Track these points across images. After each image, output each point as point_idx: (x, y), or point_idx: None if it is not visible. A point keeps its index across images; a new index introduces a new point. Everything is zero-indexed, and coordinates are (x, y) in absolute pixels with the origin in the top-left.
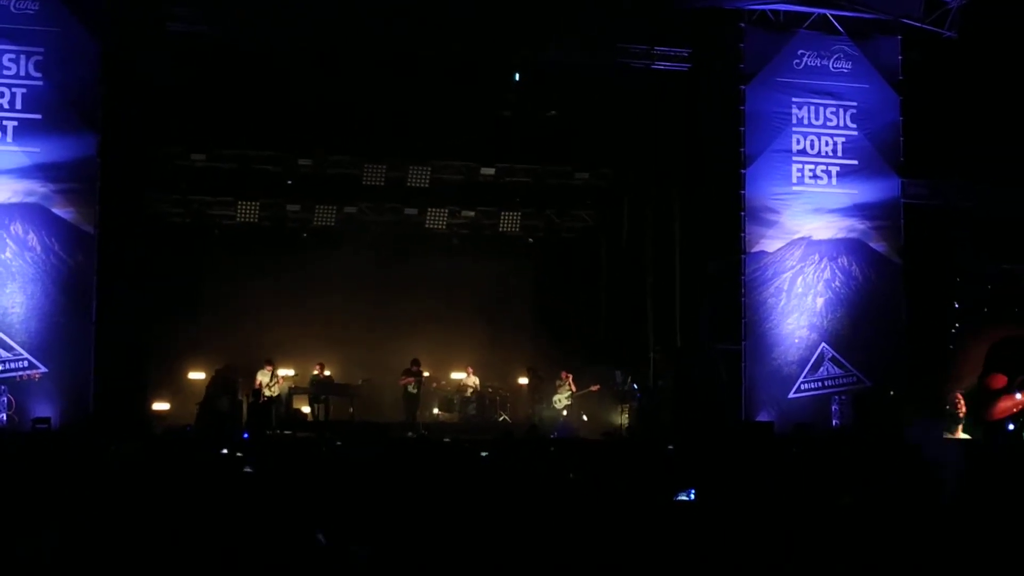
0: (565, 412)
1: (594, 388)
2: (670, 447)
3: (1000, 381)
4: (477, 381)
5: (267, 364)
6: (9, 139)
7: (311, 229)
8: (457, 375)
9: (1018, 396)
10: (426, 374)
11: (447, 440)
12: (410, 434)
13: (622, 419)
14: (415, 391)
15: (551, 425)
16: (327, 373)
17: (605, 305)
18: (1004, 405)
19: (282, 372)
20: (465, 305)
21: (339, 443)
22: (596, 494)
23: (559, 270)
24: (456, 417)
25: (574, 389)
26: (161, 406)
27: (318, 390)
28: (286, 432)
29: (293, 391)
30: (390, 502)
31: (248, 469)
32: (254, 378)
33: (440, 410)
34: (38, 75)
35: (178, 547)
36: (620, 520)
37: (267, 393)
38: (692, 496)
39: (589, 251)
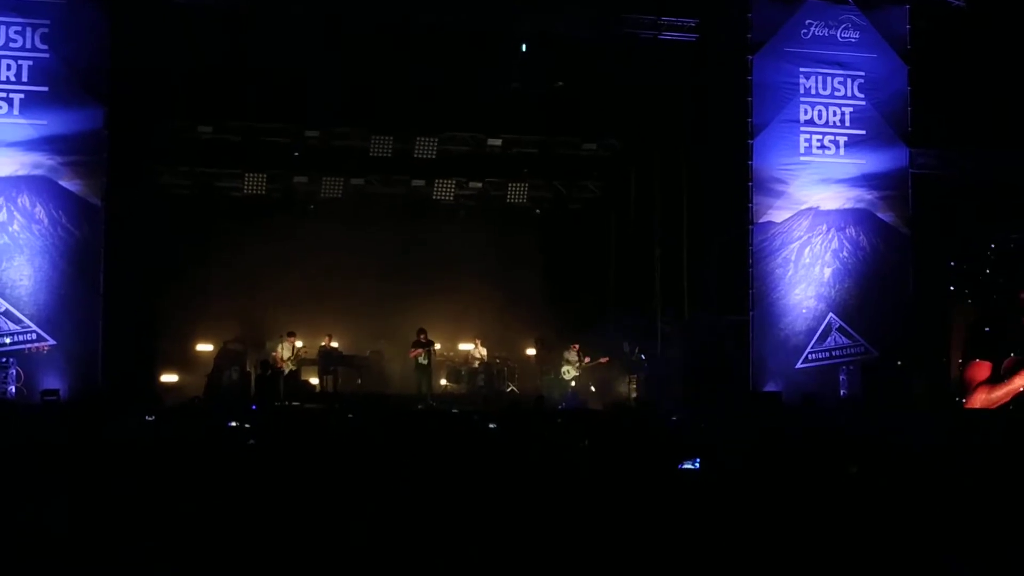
0: (573, 383)
1: (603, 360)
2: (674, 418)
3: (983, 370)
4: (485, 352)
5: (289, 336)
6: (16, 111)
7: (318, 201)
8: (465, 346)
9: (1017, 382)
10: (437, 346)
11: (455, 411)
12: (420, 406)
13: (630, 390)
14: (425, 362)
15: (559, 396)
16: (335, 344)
17: (613, 276)
18: (987, 396)
19: (298, 344)
20: (473, 276)
21: (350, 415)
22: (603, 464)
23: (567, 241)
24: (464, 388)
25: (583, 360)
26: (169, 378)
27: (326, 361)
28: (294, 404)
29: (301, 362)
30: (399, 474)
31: (252, 442)
32: (262, 349)
33: (448, 381)
34: (44, 47)
35: (182, 519)
36: (626, 488)
37: (289, 367)
38: (697, 465)
39: (597, 222)
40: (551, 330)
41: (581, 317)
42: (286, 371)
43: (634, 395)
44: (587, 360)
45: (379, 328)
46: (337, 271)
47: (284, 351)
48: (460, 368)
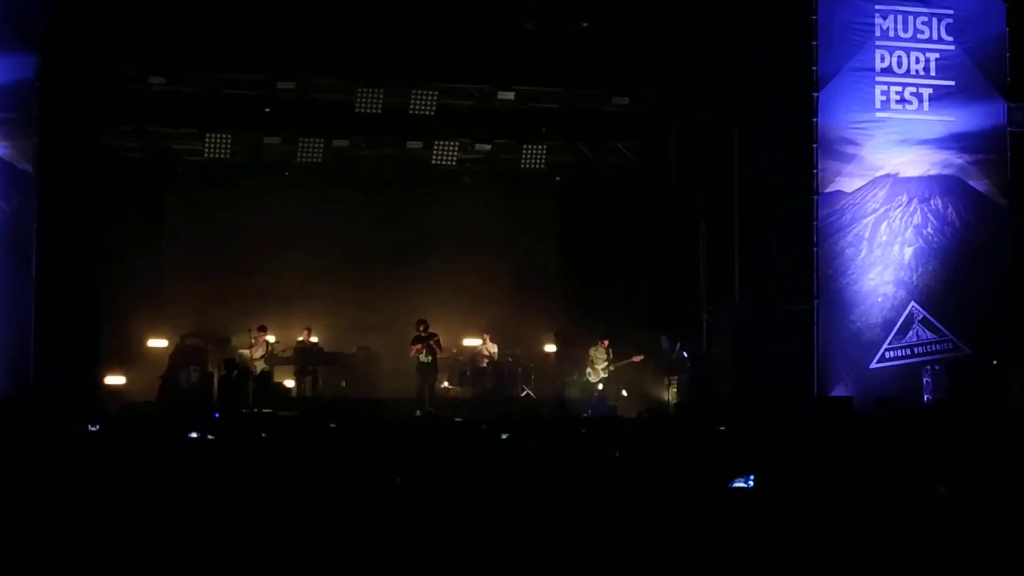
0: (601, 386)
1: (636, 358)
2: (722, 428)
3: None
4: (495, 349)
5: (259, 331)
6: None
7: (294, 167)
8: (471, 342)
9: None
10: (439, 340)
11: (459, 420)
12: (417, 413)
13: (669, 394)
14: (428, 360)
15: (584, 402)
16: (315, 339)
17: (649, 257)
18: None
19: (270, 340)
20: (480, 258)
21: (333, 425)
22: (637, 483)
23: (593, 215)
24: (470, 392)
25: (611, 359)
26: (116, 379)
27: (305, 360)
28: (265, 411)
29: (274, 361)
30: (391, 496)
31: (219, 453)
32: (227, 346)
33: (451, 383)
34: None
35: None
36: (665, 512)
37: (260, 367)
38: (750, 484)
39: (629, 192)
40: (574, 322)
41: (610, 307)
42: (256, 372)
43: (674, 400)
44: (612, 358)
45: (368, 320)
46: (317, 252)
47: (254, 348)
48: (465, 368)
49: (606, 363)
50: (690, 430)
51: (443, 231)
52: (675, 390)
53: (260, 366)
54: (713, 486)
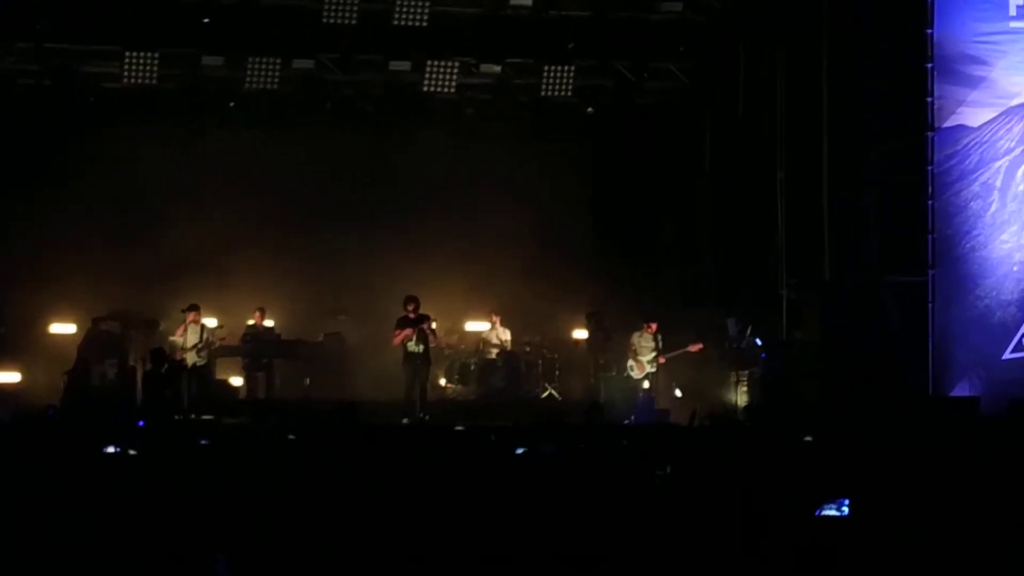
0: (647, 384)
1: (693, 347)
2: (807, 437)
3: None
4: (507, 336)
5: (191, 312)
6: None
7: (242, 95)
8: (476, 326)
9: None
10: (434, 324)
11: (460, 429)
12: (404, 420)
13: (737, 394)
14: (419, 350)
15: (625, 404)
16: (269, 323)
17: (709, 215)
18: None
19: (208, 325)
20: (488, 217)
21: (292, 436)
22: (693, 510)
23: (635, 158)
24: (475, 392)
25: (661, 348)
26: (8, 377)
27: (256, 350)
28: (205, 418)
29: (215, 352)
30: (368, 528)
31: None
32: (154, 332)
33: (450, 381)
34: None
35: None
36: (730, 548)
37: (193, 360)
38: (845, 511)
39: (682, 128)
40: (612, 301)
41: (658, 280)
42: (190, 365)
43: (743, 403)
44: (668, 349)
45: (339, 298)
46: (272, 209)
47: (183, 334)
48: (469, 360)
49: (653, 354)
50: (765, 441)
51: (438, 181)
52: (745, 389)
53: (192, 359)
54: (795, 515)
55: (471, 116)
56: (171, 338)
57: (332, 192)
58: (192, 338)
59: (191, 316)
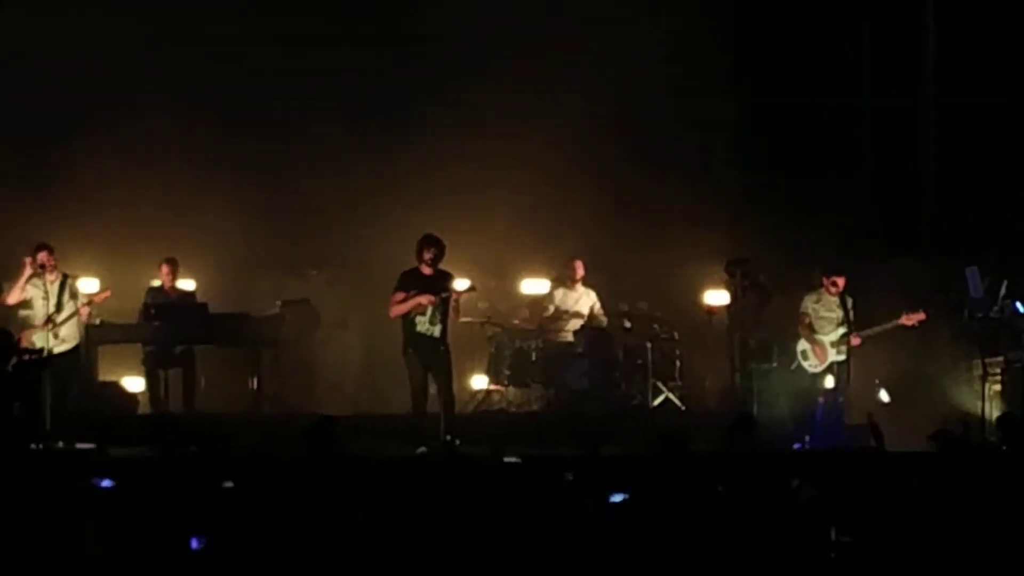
0: (830, 381)
1: (909, 319)
2: None
3: None
4: (595, 300)
5: (39, 255)
6: None
7: None
8: (538, 286)
9: None
10: (466, 284)
11: (513, 460)
12: (421, 449)
13: (986, 398)
14: (433, 330)
15: (794, 417)
16: (187, 285)
17: (930, 105)
18: None
19: (82, 286)
20: (560, 106)
21: (228, 483)
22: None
23: (793, 31)
24: (535, 397)
25: (852, 318)
26: None
27: (165, 330)
28: (80, 446)
29: (90, 329)
30: None
31: None
32: None
33: (495, 379)
34: None
35: None
36: None
37: (48, 344)
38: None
39: None
40: (765, 244)
41: (846, 210)
42: (45, 353)
43: (996, 409)
44: (865, 321)
45: (304, 242)
46: (194, 92)
47: (33, 297)
48: (527, 345)
49: (842, 330)
50: None
51: (479, 38)
52: (997, 388)
53: (45, 341)
54: None
55: None
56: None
57: (294, 60)
58: (40, 303)
59: (37, 261)
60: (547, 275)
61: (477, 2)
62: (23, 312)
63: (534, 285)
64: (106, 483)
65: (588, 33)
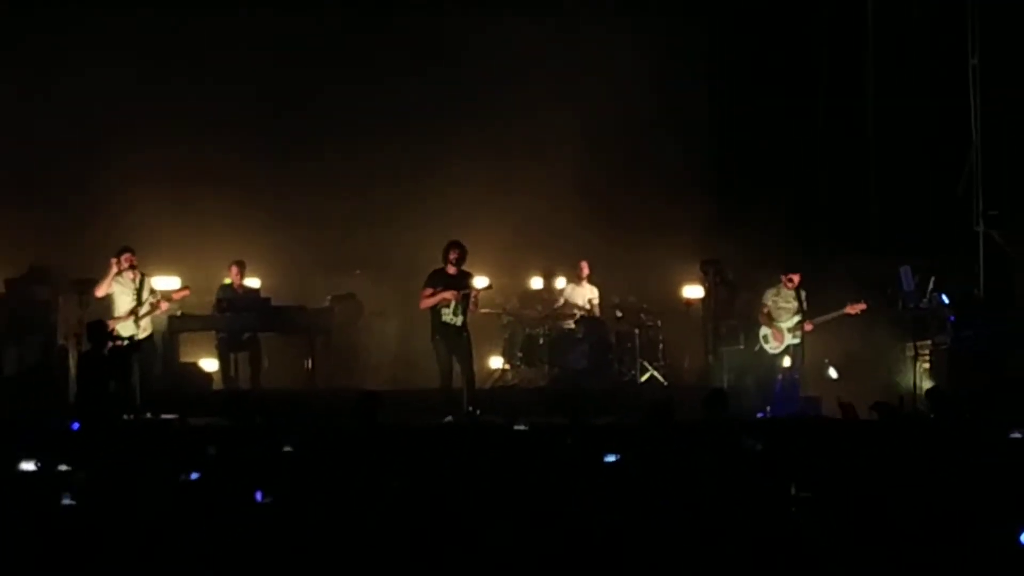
0: (788, 361)
1: (853, 308)
2: (1017, 434)
3: None
4: (595, 294)
5: (122, 257)
6: None
7: None
8: (540, 282)
9: None
10: (485, 282)
11: (522, 428)
12: (448, 418)
13: (917, 375)
14: (457, 320)
15: (758, 390)
16: (253, 283)
17: (871, 122)
18: None
19: (158, 284)
20: (561, 127)
21: (288, 448)
22: (851, 541)
23: (767, 38)
24: (542, 374)
25: (806, 309)
26: None
27: (235, 320)
28: (165, 417)
29: (174, 320)
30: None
31: (68, 501)
32: (86, 294)
33: (509, 360)
34: None
35: None
36: None
37: (130, 332)
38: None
39: None
40: (734, 244)
41: (802, 211)
42: (127, 340)
43: (925, 384)
44: (817, 311)
45: (352, 246)
46: (257, 117)
47: (116, 293)
48: (536, 331)
49: (797, 318)
50: (956, 441)
51: (502, 70)
52: (926, 366)
53: (127, 330)
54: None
55: None
56: (102, 297)
57: (345, 88)
58: (125, 299)
59: (121, 263)
60: (562, 273)
61: (505, 44)
62: (109, 305)
63: (541, 282)
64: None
65: (583, 64)
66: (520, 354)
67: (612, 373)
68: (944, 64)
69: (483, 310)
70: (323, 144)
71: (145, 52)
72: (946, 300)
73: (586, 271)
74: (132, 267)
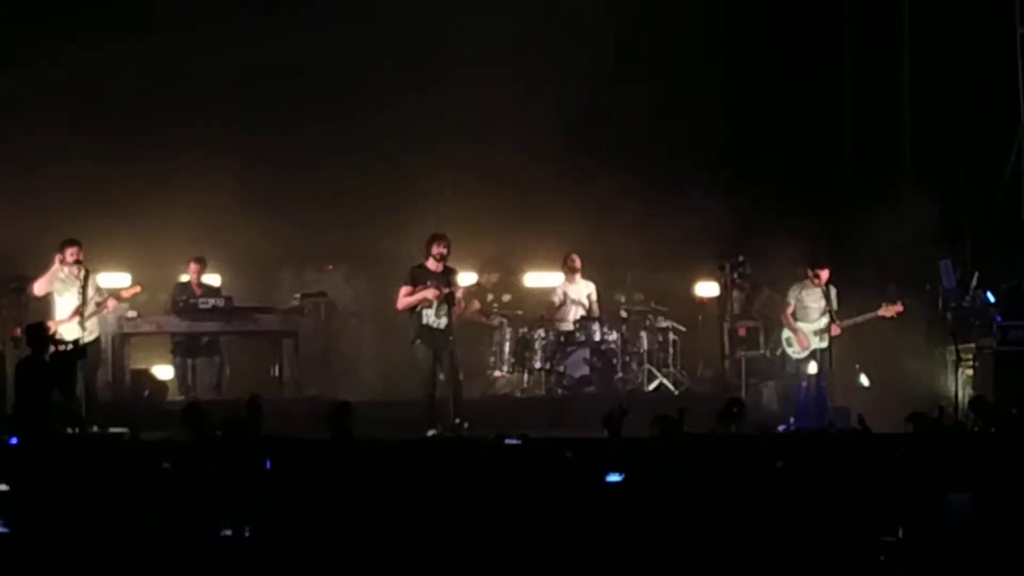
0: (814, 367)
1: (888, 310)
2: None
3: None
4: (592, 289)
5: (67, 250)
6: None
7: None
8: (540, 279)
9: None
10: (472, 278)
11: (513, 442)
12: (431, 432)
13: (959, 383)
14: (440, 323)
15: (781, 397)
16: (212, 280)
17: (906, 99)
18: None
19: (105, 281)
20: (551, 108)
21: (267, 461)
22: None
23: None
24: (538, 381)
25: (834, 307)
26: None
27: (193, 323)
28: (114, 431)
29: (123, 322)
30: None
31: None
32: (23, 294)
33: (502, 368)
34: None
35: None
36: None
37: (75, 335)
38: None
39: None
40: (755, 237)
41: (829, 197)
42: (71, 344)
43: (967, 393)
44: (847, 311)
45: (323, 239)
46: (218, 92)
47: (59, 292)
48: (531, 334)
49: (825, 319)
50: (1004, 456)
51: (472, 60)
52: (969, 373)
53: (71, 332)
54: None
55: None
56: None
57: (315, 70)
58: (68, 298)
59: (66, 257)
60: (552, 268)
61: (482, 24)
62: (50, 305)
63: (538, 278)
64: None
65: (587, 43)
66: (513, 359)
67: (615, 381)
68: (989, 35)
69: (471, 311)
70: (290, 124)
71: (105, 37)
72: (991, 298)
73: (578, 264)
74: (78, 262)
